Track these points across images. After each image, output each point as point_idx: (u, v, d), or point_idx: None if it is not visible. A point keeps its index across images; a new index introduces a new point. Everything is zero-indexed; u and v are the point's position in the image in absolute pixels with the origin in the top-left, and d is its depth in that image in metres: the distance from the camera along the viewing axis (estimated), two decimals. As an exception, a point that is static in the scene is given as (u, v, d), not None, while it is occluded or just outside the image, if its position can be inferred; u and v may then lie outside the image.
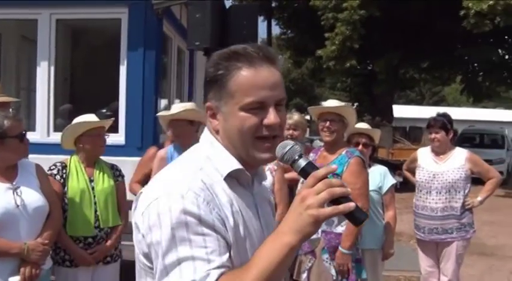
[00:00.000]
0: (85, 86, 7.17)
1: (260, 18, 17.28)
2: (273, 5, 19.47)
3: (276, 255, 1.11)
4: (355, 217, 1.17)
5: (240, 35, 5.42)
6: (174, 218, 1.15)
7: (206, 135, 1.37)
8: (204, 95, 1.37)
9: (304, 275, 3.40)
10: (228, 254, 1.17)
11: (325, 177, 1.14)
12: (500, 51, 17.44)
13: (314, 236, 3.30)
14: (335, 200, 1.13)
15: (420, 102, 51.88)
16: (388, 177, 4.12)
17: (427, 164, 4.35)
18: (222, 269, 1.13)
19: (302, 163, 1.22)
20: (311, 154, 3.70)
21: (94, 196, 3.30)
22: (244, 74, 1.26)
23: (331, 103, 3.61)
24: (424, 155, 4.44)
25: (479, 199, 4.26)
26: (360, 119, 4.00)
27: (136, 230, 1.25)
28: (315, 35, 16.70)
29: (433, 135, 4.28)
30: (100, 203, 3.31)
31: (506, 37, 17.24)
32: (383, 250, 4.05)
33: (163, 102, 7.06)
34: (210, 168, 1.28)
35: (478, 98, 20.35)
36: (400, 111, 26.62)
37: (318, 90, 41.26)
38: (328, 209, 1.11)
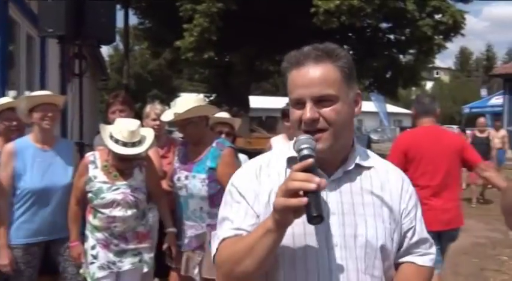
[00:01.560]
0: None
1: (117, 7, 16.70)
2: (131, -7, 18.94)
3: (257, 234, 1.30)
4: (308, 214, 1.20)
5: (97, 23, 5.23)
6: (227, 188, 1.52)
7: None
8: None
9: (196, 271, 3.37)
10: (252, 221, 1.40)
11: (298, 169, 1.23)
12: (345, 47, 18.93)
13: (200, 231, 3.32)
14: (307, 194, 1.19)
15: (275, 93, 54.12)
16: (249, 165, 4.29)
17: None
18: (237, 231, 1.40)
19: (300, 154, 1.30)
20: (180, 147, 3.62)
21: None
22: (291, 74, 1.41)
23: (177, 107, 3.42)
24: (277, 143, 4.63)
25: None
26: (218, 109, 4.06)
27: None
28: (173, 26, 16.62)
29: (290, 124, 4.47)
30: None
31: (350, 34, 18.76)
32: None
33: (11, 93, 6.57)
34: (281, 154, 1.52)
35: (326, 90, 21.86)
36: (257, 101, 27.60)
37: (176, 81, 41.09)
38: (281, 200, 1.21)
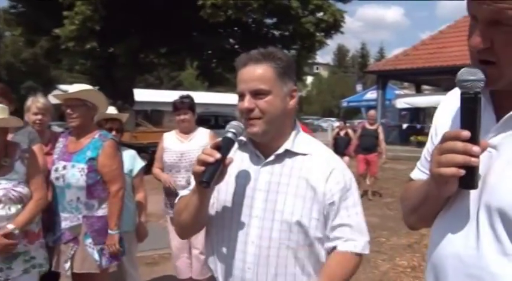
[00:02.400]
0: None
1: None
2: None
3: (190, 194, 1.72)
4: (200, 178, 1.55)
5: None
6: None
7: None
8: None
9: (67, 265, 3.24)
10: None
11: (212, 146, 1.60)
12: (231, 40, 19.12)
13: (75, 223, 3.21)
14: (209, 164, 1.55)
15: (159, 87, 53.34)
16: (138, 160, 4.19)
17: (174, 145, 4.46)
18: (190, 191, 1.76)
19: (226, 135, 1.65)
20: (61, 139, 3.49)
21: None
22: (238, 72, 1.73)
23: (73, 88, 3.44)
24: (169, 138, 4.54)
25: None
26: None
27: None
28: (51, 12, 15.55)
29: (182, 117, 4.39)
30: None
31: (236, 28, 18.97)
32: (137, 232, 4.12)
33: None
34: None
35: (212, 84, 21.93)
36: (141, 95, 26.99)
37: (54, 72, 38.77)
38: (194, 167, 1.59)
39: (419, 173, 1.47)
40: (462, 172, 1.11)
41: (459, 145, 1.12)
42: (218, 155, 1.55)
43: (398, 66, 21.77)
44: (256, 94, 1.68)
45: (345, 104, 32.20)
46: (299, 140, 1.79)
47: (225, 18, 14.20)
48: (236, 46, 19.77)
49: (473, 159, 1.11)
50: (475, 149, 1.10)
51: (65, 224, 3.28)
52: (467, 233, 1.18)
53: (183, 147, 4.42)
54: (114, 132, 3.84)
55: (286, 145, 1.75)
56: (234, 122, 1.68)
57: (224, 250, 1.77)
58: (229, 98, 44.98)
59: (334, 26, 18.20)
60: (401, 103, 22.49)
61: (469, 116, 1.15)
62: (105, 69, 18.71)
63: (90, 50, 15.11)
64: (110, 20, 14.69)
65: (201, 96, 38.39)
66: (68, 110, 3.32)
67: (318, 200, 1.70)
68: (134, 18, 15.89)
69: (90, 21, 14.03)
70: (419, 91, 26.95)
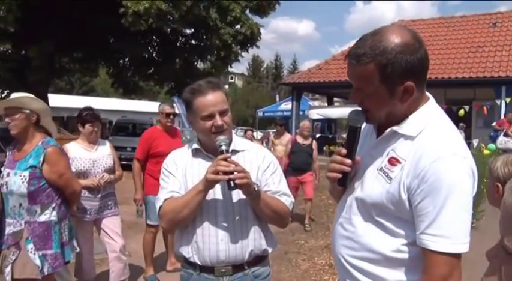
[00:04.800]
0: None
1: None
2: None
3: (192, 193, 2.18)
4: (228, 185, 2.09)
5: None
6: (162, 169, 2.38)
7: None
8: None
9: (8, 269, 3.31)
10: (178, 186, 2.29)
11: (222, 159, 2.10)
12: (150, 49, 19.07)
13: (18, 228, 3.29)
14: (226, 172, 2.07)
15: (70, 92, 51.52)
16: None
17: (82, 154, 4.59)
18: (172, 193, 2.27)
19: (220, 148, 2.17)
20: (10, 146, 3.57)
21: None
22: (197, 100, 2.23)
23: (12, 96, 3.47)
24: (74, 148, 4.62)
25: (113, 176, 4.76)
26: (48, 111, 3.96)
27: None
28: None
29: (96, 128, 4.64)
30: None
31: (154, 37, 18.97)
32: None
33: None
34: (188, 148, 2.41)
35: (127, 92, 21.59)
36: (55, 100, 26.04)
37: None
38: (212, 176, 2.09)
39: None
40: (339, 175, 1.73)
41: (338, 158, 1.73)
42: (233, 165, 2.09)
43: (312, 79, 22.77)
44: (222, 113, 2.24)
45: (260, 114, 32.95)
46: (237, 141, 2.39)
47: (146, 27, 14.20)
48: (154, 55, 19.73)
49: (345, 167, 1.71)
50: (347, 161, 1.70)
51: (8, 230, 3.38)
52: (347, 210, 1.78)
53: (93, 155, 4.64)
54: None
55: (233, 146, 2.32)
56: (221, 137, 2.19)
57: (199, 232, 2.26)
58: (146, 106, 44.29)
59: (251, 38, 18.73)
60: (314, 114, 23.52)
61: (350, 140, 1.74)
62: (17, 73, 17.92)
63: (3, 52, 14.46)
64: (24, 22, 14.21)
65: (116, 104, 37.59)
66: (6, 119, 3.42)
67: (259, 178, 2.32)
68: (51, 21, 15.44)
69: (3, 23, 13.46)
70: (331, 103, 28.27)
